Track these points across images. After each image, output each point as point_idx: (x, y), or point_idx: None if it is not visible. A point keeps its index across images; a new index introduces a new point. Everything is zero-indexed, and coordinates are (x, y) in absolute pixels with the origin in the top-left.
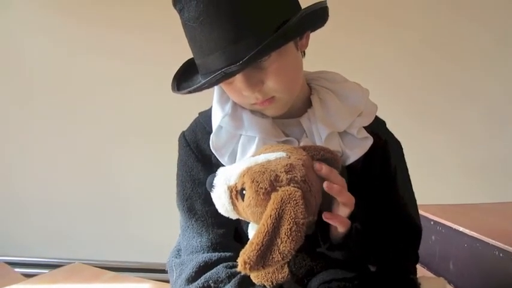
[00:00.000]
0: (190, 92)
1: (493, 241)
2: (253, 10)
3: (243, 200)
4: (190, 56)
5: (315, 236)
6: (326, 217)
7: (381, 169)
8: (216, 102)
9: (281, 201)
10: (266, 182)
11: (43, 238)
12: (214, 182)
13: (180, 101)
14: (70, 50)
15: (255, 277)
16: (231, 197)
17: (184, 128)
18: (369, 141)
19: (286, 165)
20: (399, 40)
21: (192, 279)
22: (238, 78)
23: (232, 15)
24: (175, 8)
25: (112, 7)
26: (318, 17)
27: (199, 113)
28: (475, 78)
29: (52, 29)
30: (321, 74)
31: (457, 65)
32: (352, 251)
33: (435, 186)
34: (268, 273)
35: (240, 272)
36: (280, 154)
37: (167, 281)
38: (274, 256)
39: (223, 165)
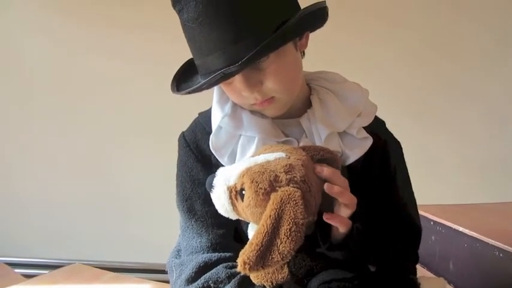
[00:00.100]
0: (189, 93)
1: (493, 241)
2: (252, 11)
3: (242, 201)
4: (190, 56)
5: (315, 236)
6: (326, 218)
7: (380, 169)
8: (215, 103)
9: (280, 201)
10: (265, 183)
11: (43, 238)
12: (214, 182)
13: (180, 101)
14: (70, 50)
15: (255, 277)
16: (230, 198)
17: (184, 128)
18: (369, 141)
19: (286, 165)
20: (399, 40)
21: (192, 279)
22: (238, 79)
23: (231, 16)
24: (174, 8)
25: (112, 7)
26: (317, 17)
27: (199, 114)
28: (475, 78)
29: (52, 29)
30: (320, 74)
31: (457, 65)
32: (352, 251)
33: (435, 186)
34: (268, 273)
35: (239, 273)
36: (280, 154)
37: (167, 282)
38: (273, 256)
39: (223, 166)
